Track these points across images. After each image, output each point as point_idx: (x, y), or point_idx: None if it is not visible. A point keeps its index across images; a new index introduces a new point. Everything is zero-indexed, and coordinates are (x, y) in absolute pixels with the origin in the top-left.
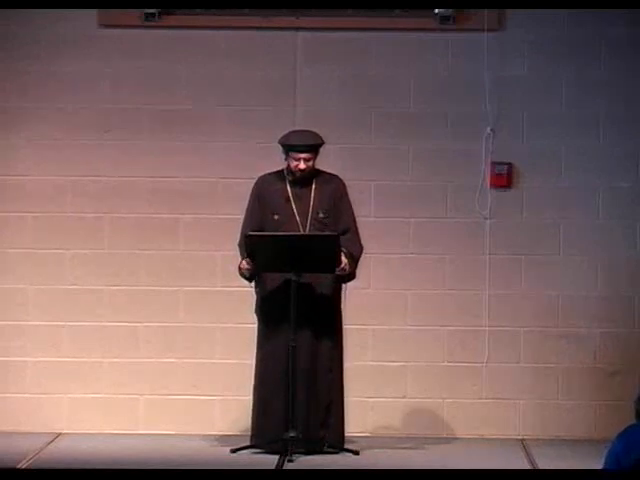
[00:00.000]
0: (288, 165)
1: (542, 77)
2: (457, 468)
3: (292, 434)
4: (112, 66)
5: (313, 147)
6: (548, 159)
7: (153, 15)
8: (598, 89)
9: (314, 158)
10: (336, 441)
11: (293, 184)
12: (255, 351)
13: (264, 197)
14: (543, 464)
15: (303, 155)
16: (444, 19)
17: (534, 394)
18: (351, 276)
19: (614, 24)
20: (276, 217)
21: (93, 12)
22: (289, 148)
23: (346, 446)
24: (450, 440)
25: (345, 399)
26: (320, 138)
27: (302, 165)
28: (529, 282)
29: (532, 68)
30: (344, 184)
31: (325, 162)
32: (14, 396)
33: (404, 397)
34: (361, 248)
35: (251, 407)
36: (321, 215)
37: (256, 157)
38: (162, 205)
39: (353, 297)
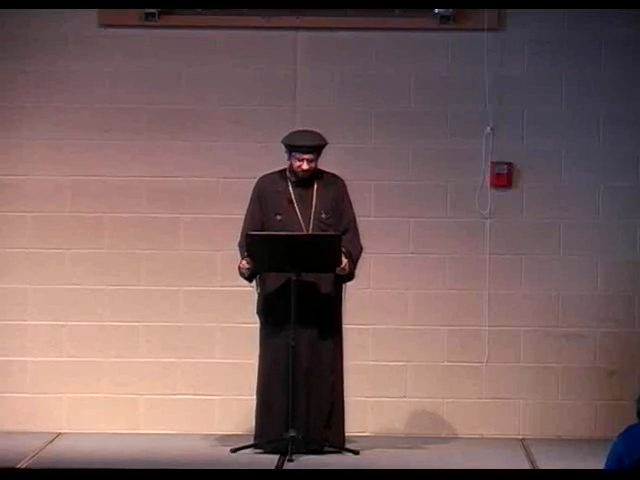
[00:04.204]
0: (291, 165)
1: (542, 77)
2: (457, 468)
3: (293, 434)
4: (112, 66)
5: (316, 148)
6: (548, 159)
7: (153, 15)
8: (598, 89)
9: (317, 159)
10: (337, 441)
11: (295, 185)
12: (257, 351)
13: (266, 198)
14: (543, 464)
15: (306, 156)
16: (444, 19)
17: (534, 394)
18: (350, 276)
19: (614, 24)
20: (279, 218)
21: (93, 12)
22: (292, 149)
23: (346, 446)
24: (450, 440)
25: (345, 399)
26: (323, 139)
27: (305, 166)
28: (529, 282)
29: (532, 68)
30: (345, 184)
31: (325, 162)
32: (14, 396)
33: (404, 397)
34: (360, 248)
35: (253, 407)
36: (323, 216)
37: (256, 157)
38: (162, 205)
39: (353, 297)
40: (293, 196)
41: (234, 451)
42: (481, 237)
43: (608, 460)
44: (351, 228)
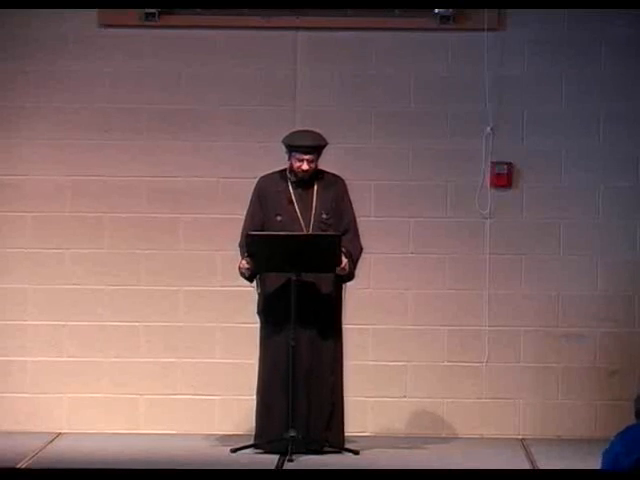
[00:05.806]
0: (291, 165)
1: (542, 77)
2: (457, 468)
3: (293, 434)
4: (112, 66)
5: (317, 148)
6: (548, 159)
7: (153, 15)
8: (598, 89)
9: (317, 159)
10: (337, 441)
11: (296, 185)
12: (257, 351)
13: (266, 198)
14: (543, 464)
15: (307, 156)
16: (444, 19)
17: (534, 394)
18: (350, 276)
19: (614, 24)
20: (279, 218)
21: (93, 12)
22: (292, 149)
23: (346, 446)
24: (450, 440)
25: (345, 399)
26: (324, 139)
27: (305, 166)
28: (529, 282)
29: (532, 68)
30: (345, 184)
31: (325, 162)
32: (14, 396)
33: (404, 397)
34: (360, 248)
35: (254, 407)
36: (324, 216)
37: (256, 157)
38: (162, 205)
39: (353, 297)
40: (293, 196)
41: (234, 451)
42: (481, 237)
43: (604, 459)
44: (351, 228)
